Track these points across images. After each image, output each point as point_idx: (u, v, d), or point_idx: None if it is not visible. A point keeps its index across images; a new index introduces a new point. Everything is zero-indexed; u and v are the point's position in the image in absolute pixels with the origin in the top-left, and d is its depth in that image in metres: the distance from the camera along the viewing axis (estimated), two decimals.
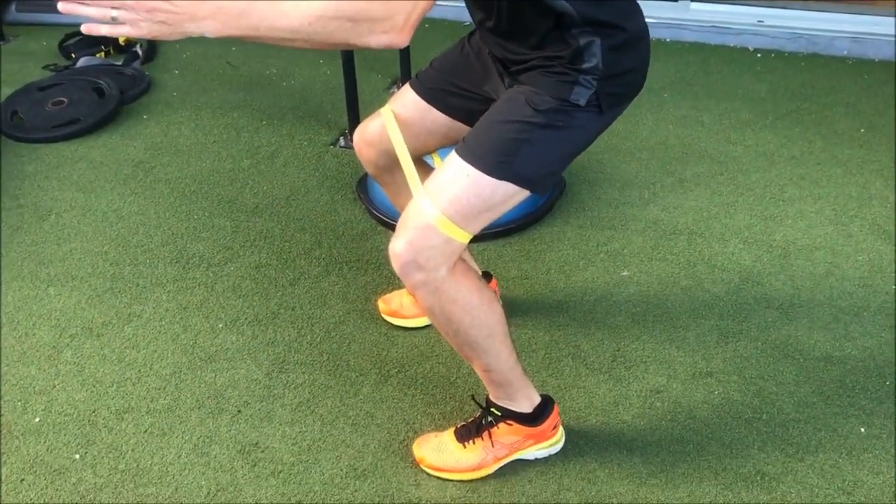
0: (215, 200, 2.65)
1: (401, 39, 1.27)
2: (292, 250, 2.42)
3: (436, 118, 1.72)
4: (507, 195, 1.47)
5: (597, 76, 1.43)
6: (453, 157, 1.48)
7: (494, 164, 1.44)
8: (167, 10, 1.21)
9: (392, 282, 2.27)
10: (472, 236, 1.49)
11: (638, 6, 1.53)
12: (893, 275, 2.25)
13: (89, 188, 2.73)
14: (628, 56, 1.48)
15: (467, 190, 1.44)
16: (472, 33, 1.71)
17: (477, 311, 1.54)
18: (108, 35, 1.23)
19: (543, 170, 1.49)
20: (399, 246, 1.45)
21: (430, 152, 1.80)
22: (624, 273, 2.29)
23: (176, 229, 2.51)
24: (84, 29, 1.22)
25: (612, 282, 2.26)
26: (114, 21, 1.21)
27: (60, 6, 1.20)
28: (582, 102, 1.44)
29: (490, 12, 1.48)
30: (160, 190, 2.71)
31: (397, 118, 1.71)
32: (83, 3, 1.20)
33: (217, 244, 2.44)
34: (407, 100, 1.75)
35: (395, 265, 1.47)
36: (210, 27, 1.24)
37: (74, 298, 2.24)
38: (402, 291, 2.15)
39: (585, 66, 1.43)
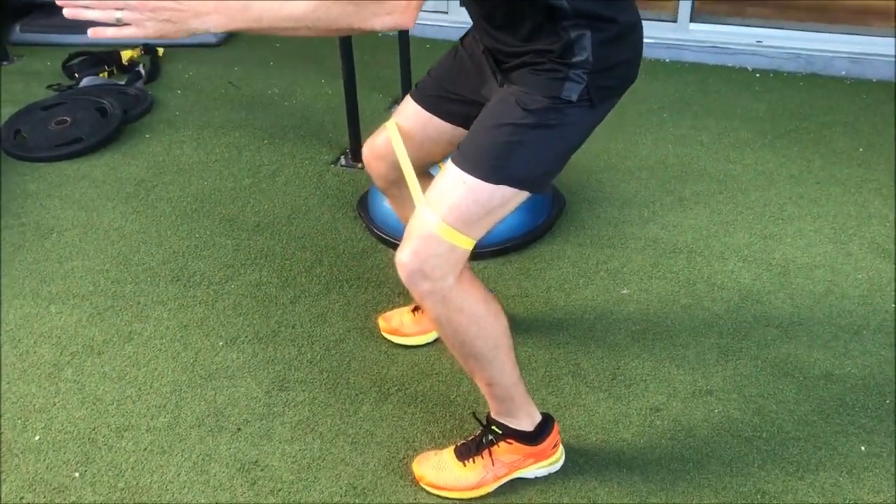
0: (216, 219, 2.66)
1: (405, 20, 1.26)
2: (293, 268, 2.42)
3: (437, 126, 1.73)
4: (505, 198, 1.47)
5: (587, 70, 1.42)
6: (450, 166, 1.49)
7: (489, 169, 1.44)
8: (171, 8, 1.21)
9: (392, 300, 2.27)
10: (475, 241, 1.49)
11: None
12: (893, 293, 2.25)
13: (91, 206, 2.74)
14: (619, 49, 1.47)
15: (465, 197, 1.45)
16: (464, 36, 1.72)
17: (483, 322, 1.54)
18: (115, 37, 1.22)
19: (539, 170, 1.49)
20: (405, 256, 1.46)
21: (437, 162, 1.81)
22: (624, 291, 2.30)
23: (177, 247, 2.52)
24: (91, 33, 1.22)
25: (611, 300, 2.27)
26: (119, 22, 1.21)
27: (66, 12, 1.20)
28: (574, 98, 1.43)
29: (484, 3, 1.47)
30: (161, 208, 2.72)
31: (400, 130, 1.72)
32: (87, 7, 1.20)
33: (218, 262, 2.45)
34: (408, 111, 1.76)
35: (402, 275, 1.48)
36: (214, 22, 1.24)
37: (75, 316, 2.25)
38: (403, 309, 2.15)
39: (576, 59, 1.42)
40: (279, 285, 2.35)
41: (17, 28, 4.04)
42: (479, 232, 1.48)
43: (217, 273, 2.41)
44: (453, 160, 1.49)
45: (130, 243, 2.55)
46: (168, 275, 2.41)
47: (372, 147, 1.86)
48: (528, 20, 1.42)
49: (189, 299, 2.31)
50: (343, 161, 2.98)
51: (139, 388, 2.02)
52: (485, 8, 1.49)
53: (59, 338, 2.18)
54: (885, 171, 2.81)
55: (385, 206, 2.53)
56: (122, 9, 1.20)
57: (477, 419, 1.77)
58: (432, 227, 1.45)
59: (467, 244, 1.47)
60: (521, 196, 1.49)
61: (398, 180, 1.81)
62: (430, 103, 1.74)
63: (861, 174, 2.80)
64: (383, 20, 1.25)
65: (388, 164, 1.82)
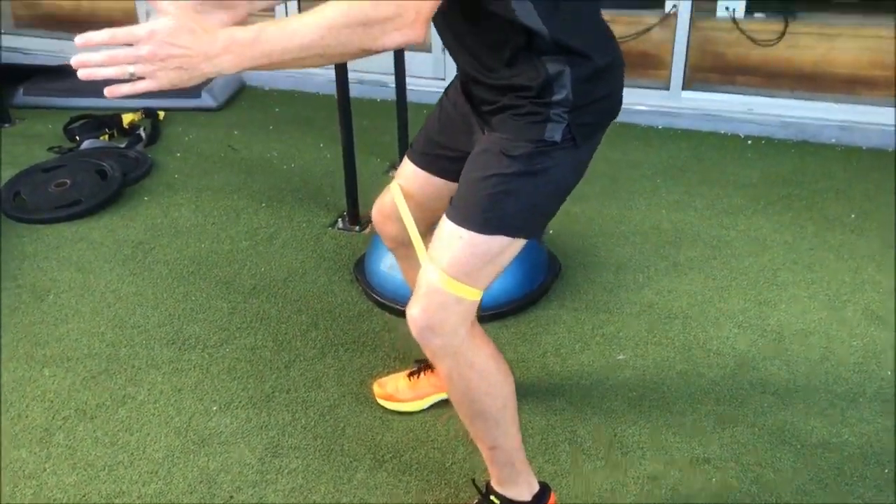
0: (213, 281, 2.67)
1: (415, 35, 1.24)
2: (288, 332, 2.42)
3: (436, 184, 1.74)
4: (503, 246, 1.48)
5: (567, 108, 1.43)
6: (445, 221, 1.50)
7: (482, 221, 1.45)
8: (180, 55, 1.18)
9: (388, 364, 2.26)
10: (482, 291, 1.49)
11: (611, 34, 1.53)
12: (889, 360, 2.25)
13: (88, 268, 2.74)
14: (599, 85, 1.47)
15: (464, 250, 1.46)
16: (448, 87, 1.73)
17: (493, 379, 1.54)
18: (131, 93, 1.20)
19: (531, 216, 1.50)
20: (414, 312, 1.47)
21: None
22: (620, 357, 2.29)
23: (173, 310, 2.52)
24: (107, 93, 1.20)
25: (608, 366, 2.26)
26: (132, 77, 1.19)
27: (81, 73, 1.19)
28: (557, 138, 1.43)
29: (463, 28, 1.47)
30: (158, 271, 2.73)
31: (403, 190, 1.75)
32: (101, 65, 1.18)
33: (213, 325, 2.45)
34: (407, 172, 1.78)
35: (413, 331, 1.49)
36: (226, 62, 1.21)
37: (69, 380, 2.24)
38: (398, 375, 2.15)
39: (555, 98, 1.42)
40: (274, 349, 2.35)
41: (20, 91, 4.10)
42: (484, 281, 1.49)
43: (212, 336, 2.40)
44: (447, 215, 1.50)
45: (126, 305, 2.55)
46: (163, 338, 2.40)
47: (380, 208, 1.88)
48: (508, 46, 1.42)
49: (184, 363, 2.30)
50: (340, 224, 3.00)
51: (131, 454, 1.99)
52: (464, 31, 1.48)
53: (52, 401, 2.16)
54: (878, 237, 2.84)
55: (381, 269, 2.54)
56: (133, 62, 1.18)
57: (476, 487, 1.75)
58: (437, 282, 1.46)
59: (474, 295, 1.48)
60: (520, 242, 1.50)
61: (408, 241, 1.82)
62: (425, 162, 1.76)
63: (853, 240, 2.83)
64: (393, 37, 1.23)
65: (397, 224, 1.82)
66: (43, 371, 2.27)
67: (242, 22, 1.51)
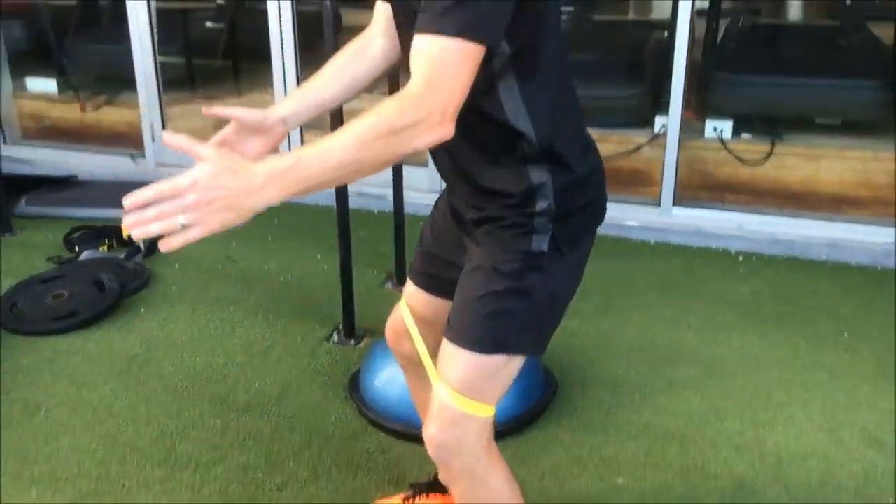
0: (206, 397, 2.65)
1: (445, 132, 1.25)
2: (281, 451, 2.39)
3: (439, 304, 1.73)
4: (504, 363, 1.48)
5: (551, 217, 1.44)
6: (445, 342, 1.51)
7: (480, 342, 1.47)
8: (223, 196, 1.18)
9: (382, 487, 2.23)
10: (493, 406, 1.49)
11: (591, 140, 1.55)
12: (889, 487, 2.23)
13: (82, 382, 2.73)
14: (581, 193, 1.49)
15: (466, 369, 1.47)
16: (438, 198, 1.76)
17: (507, 500, 1.54)
18: (185, 244, 1.18)
19: (529, 333, 1.50)
20: (431, 431, 1.48)
21: None
22: (619, 481, 2.27)
23: (166, 427, 2.50)
24: (162, 248, 1.19)
25: (606, 489, 2.23)
26: (183, 228, 1.17)
27: (134, 233, 1.19)
28: (544, 248, 1.45)
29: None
30: (152, 385, 2.71)
31: (410, 309, 1.77)
32: (152, 221, 1.17)
33: (206, 444, 2.42)
34: (411, 291, 1.80)
35: (430, 451, 1.50)
36: (270, 194, 1.20)
37: (58, 500, 2.19)
38: (394, 499, 2.11)
39: (538, 208, 1.44)
40: (267, 470, 2.31)
41: (23, 201, 4.16)
42: (493, 396, 1.49)
43: (204, 455, 2.37)
44: (446, 336, 1.51)
45: (119, 422, 2.52)
46: (155, 456, 2.37)
47: (393, 327, 1.89)
48: (493, 149, 1.44)
49: (175, 483, 2.26)
50: (336, 338, 3.01)
51: None
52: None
53: None
54: (871, 357, 2.86)
55: (376, 385, 2.53)
56: (182, 213, 1.17)
57: None
58: (447, 399, 1.47)
59: (486, 412, 1.48)
60: (522, 358, 1.50)
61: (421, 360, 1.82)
62: (425, 283, 1.78)
63: (848, 359, 2.84)
64: (424, 139, 1.24)
65: (412, 343, 1.80)
66: (31, 491, 2.23)
67: (279, 142, 1.57)
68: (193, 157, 1.21)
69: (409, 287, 1.81)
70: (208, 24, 5.71)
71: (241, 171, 1.19)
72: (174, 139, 1.22)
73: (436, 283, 1.75)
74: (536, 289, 1.48)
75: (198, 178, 1.17)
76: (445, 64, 1.23)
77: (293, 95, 1.62)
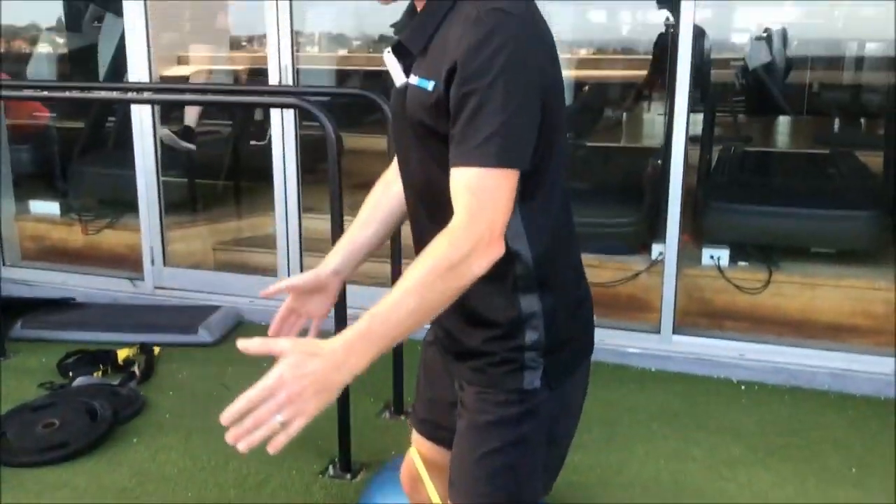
0: None
1: (497, 252, 1.27)
2: None
3: (444, 452, 1.68)
4: None
5: (541, 351, 1.43)
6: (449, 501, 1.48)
7: (490, 499, 1.45)
8: (312, 381, 1.18)
9: None
10: None
11: (581, 269, 1.54)
12: None
13: None
14: (568, 325, 1.48)
15: None
16: (426, 336, 1.72)
17: None
18: (287, 441, 1.18)
19: (536, 478, 1.47)
20: None
21: None
22: None
23: None
24: (271, 450, 1.18)
25: None
26: (283, 426, 1.17)
27: (240, 447, 1.18)
28: (537, 384, 1.43)
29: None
30: None
31: (420, 455, 1.73)
32: (254, 429, 1.17)
33: None
34: (417, 437, 1.76)
35: None
36: (354, 364, 1.21)
37: None
38: None
39: (527, 340, 1.42)
40: None
41: (19, 324, 4.13)
42: None
43: None
44: (450, 497, 1.48)
45: None
46: None
47: (408, 473, 1.83)
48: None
49: None
50: (331, 471, 2.93)
51: None
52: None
53: None
54: (882, 493, 2.78)
55: None
56: (278, 412, 1.17)
57: None
58: None
59: None
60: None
61: None
62: (428, 432, 1.74)
63: (858, 497, 2.77)
64: (480, 265, 1.26)
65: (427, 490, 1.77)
66: None
67: (338, 293, 1.62)
68: (273, 355, 1.21)
69: (414, 433, 1.78)
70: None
71: (321, 351, 1.20)
72: (251, 346, 1.21)
73: (438, 434, 1.71)
74: (534, 435, 1.46)
75: (283, 373, 1.17)
76: (485, 191, 1.27)
77: (338, 247, 1.65)
